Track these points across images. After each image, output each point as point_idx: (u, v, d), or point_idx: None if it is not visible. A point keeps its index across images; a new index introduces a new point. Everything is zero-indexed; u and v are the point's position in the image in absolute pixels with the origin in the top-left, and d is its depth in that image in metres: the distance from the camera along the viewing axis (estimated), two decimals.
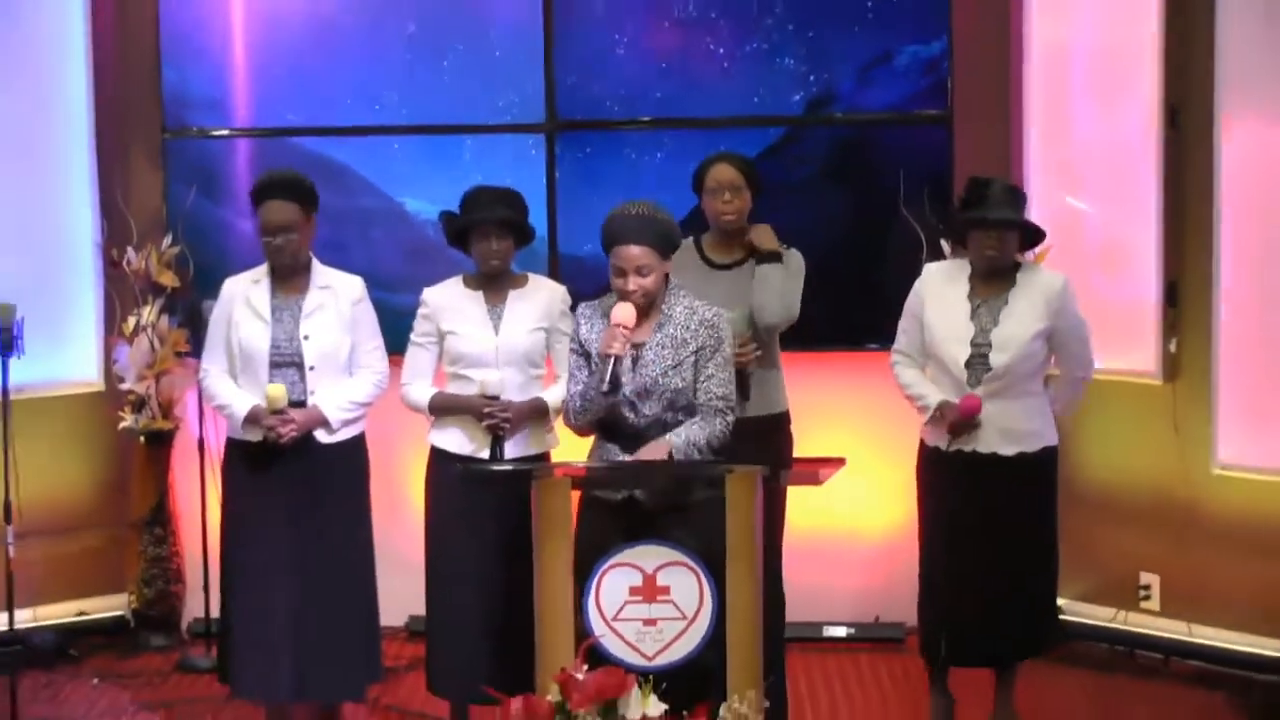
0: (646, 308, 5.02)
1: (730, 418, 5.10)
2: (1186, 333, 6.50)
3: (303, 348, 5.57)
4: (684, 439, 5.01)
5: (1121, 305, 6.60)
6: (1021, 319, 5.50)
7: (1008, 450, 5.52)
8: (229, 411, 5.59)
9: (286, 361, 5.56)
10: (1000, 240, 5.49)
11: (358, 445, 5.70)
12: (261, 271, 5.67)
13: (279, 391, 5.48)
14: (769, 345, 5.64)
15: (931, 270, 5.70)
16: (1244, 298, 6.29)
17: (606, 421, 5.08)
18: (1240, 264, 6.28)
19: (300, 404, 5.53)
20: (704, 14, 6.90)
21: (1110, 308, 6.58)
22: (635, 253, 4.97)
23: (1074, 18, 6.70)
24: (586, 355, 5.07)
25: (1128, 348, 6.56)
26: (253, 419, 5.53)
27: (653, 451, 5.00)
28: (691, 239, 5.72)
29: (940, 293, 5.61)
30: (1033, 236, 5.64)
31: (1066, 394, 5.69)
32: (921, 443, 5.69)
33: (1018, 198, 5.58)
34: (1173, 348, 6.52)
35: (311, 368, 5.57)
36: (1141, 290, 6.56)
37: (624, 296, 4.98)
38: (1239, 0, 6.17)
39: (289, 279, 5.63)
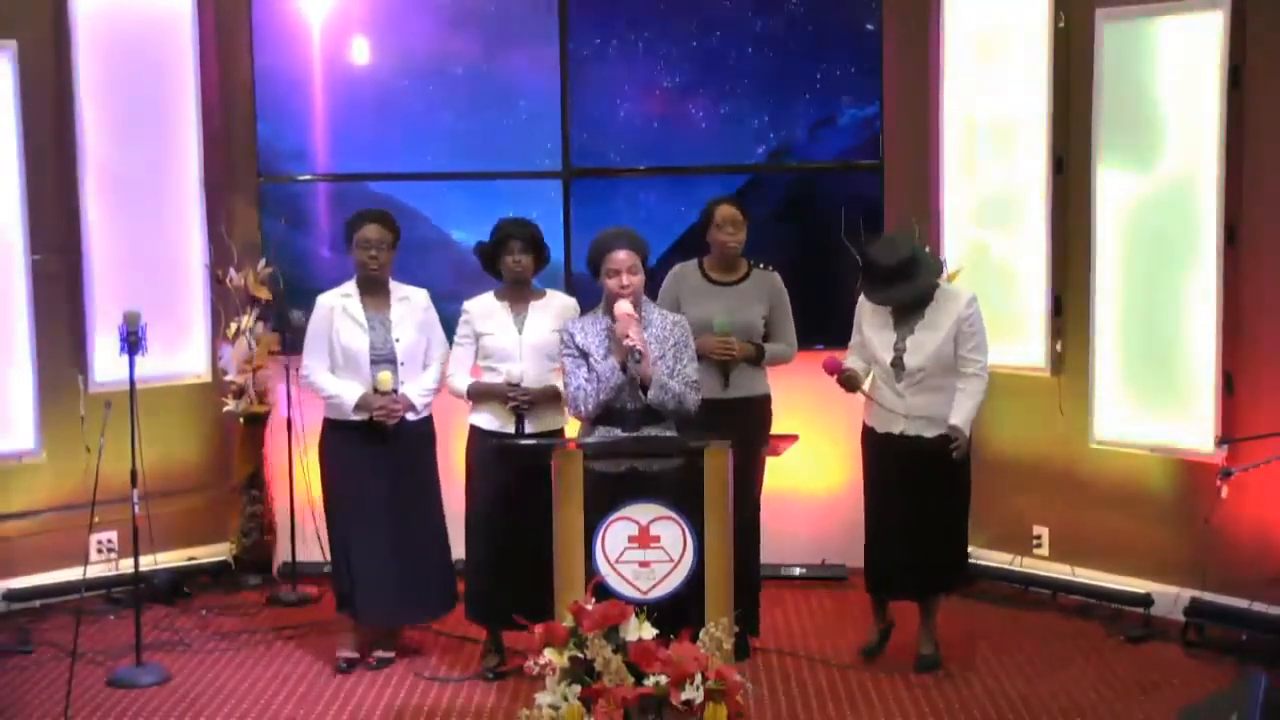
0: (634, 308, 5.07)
1: (698, 394, 5.18)
2: (1069, 336, 6.50)
3: (395, 349, 5.67)
4: (663, 378, 5.06)
5: (1017, 314, 6.60)
6: (931, 332, 5.53)
7: (930, 433, 5.54)
8: (339, 400, 5.67)
9: (382, 359, 5.66)
10: (899, 307, 5.55)
11: (429, 421, 5.83)
12: (350, 287, 5.74)
13: (388, 376, 5.63)
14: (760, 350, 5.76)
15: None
16: (1115, 308, 6.29)
17: (607, 407, 5.10)
18: (1112, 281, 6.29)
19: (394, 391, 5.66)
20: (687, 84, 6.89)
21: (1008, 316, 6.61)
22: (624, 256, 5.07)
23: (980, 85, 6.69)
24: (584, 356, 5.10)
25: (1023, 348, 6.58)
26: (363, 405, 5.61)
27: (629, 325, 4.97)
28: (695, 261, 5.79)
29: (873, 311, 5.64)
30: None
31: (975, 384, 5.57)
32: (863, 423, 5.72)
33: (900, 270, 5.48)
34: (1058, 348, 6.52)
35: (402, 363, 5.68)
36: (1033, 302, 6.56)
37: (618, 293, 5.06)
38: (1111, 72, 6.19)
39: (374, 294, 5.72)
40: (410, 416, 5.70)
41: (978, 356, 5.56)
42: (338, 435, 5.74)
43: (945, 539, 5.64)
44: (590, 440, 5.15)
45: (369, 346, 5.68)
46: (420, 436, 5.79)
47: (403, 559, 5.70)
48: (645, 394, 5.05)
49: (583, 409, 5.12)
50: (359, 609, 5.76)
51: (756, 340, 5.75)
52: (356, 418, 5.65)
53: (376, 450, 5.67)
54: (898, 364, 5.54)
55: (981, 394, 5.58)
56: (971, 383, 5.54)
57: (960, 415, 5.51)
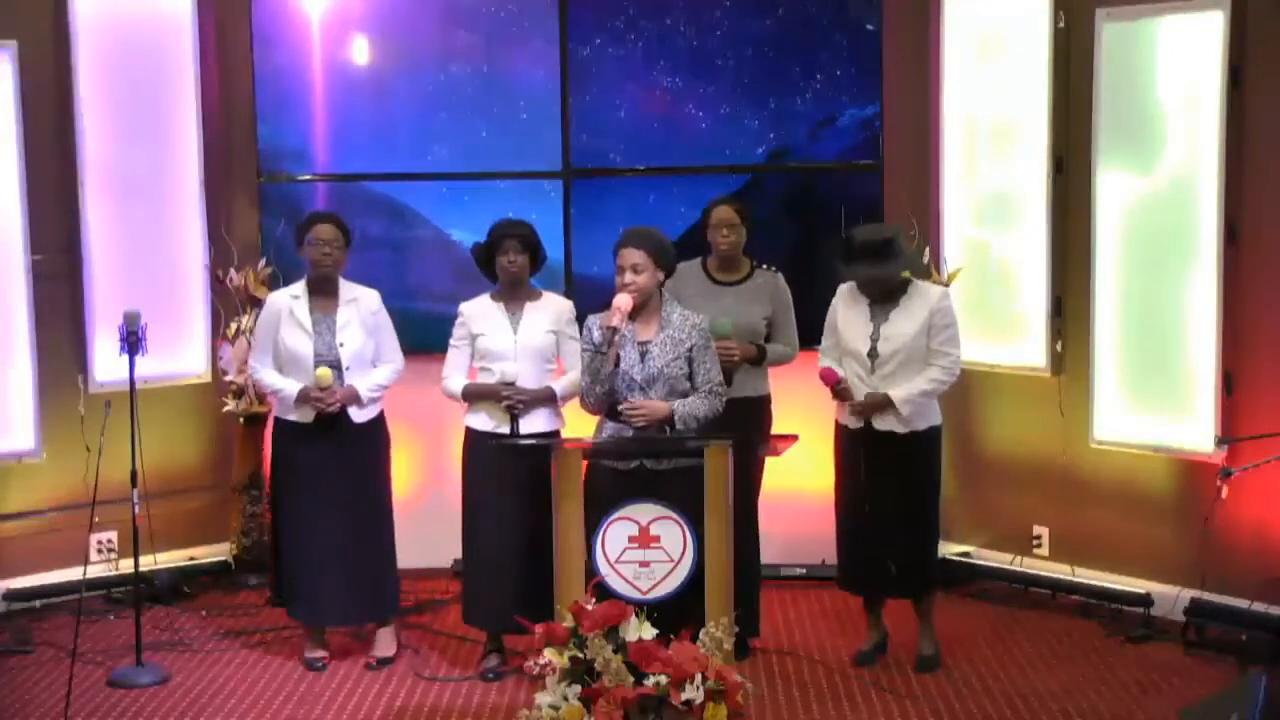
0: (643, 306, 5.08)
1: (723, 399, 5.15)
2: (1069, 336, 6.49)
3: (340, 354, 5.65)
4: (686, 409, 5.06)
5: (1017, 314, 6.60)
6: (904, 322, 5.53)
7: (901, 429, 5.53)
8: (282, 395, 5.70)
9: (326, 364, 5.66)
10: (868, 285, 5.55)
11: (379, 422, 5.81)
12: (299, 288, 5.74)
13: (327, 372, 5.60)
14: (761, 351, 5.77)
15: (842, 289, 5.71)
16: (1115, 309, 6.28)
17: (618, 404, 5.09)
18: (1112, 281, 6.28)
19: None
20: (687, 84, 6.87)
21: (1008, 316, 6.61)
22: (632, 254, 5.06)
23: (980, 85, 6.68)
24: (597, 351, 5.11)
25: (1023, 348, 6.58)
26: (303, 398, 5.62)
27: (656, 408, 5.03)
28: (698, 261, 5.79)
29: (848, 305, 5.65)
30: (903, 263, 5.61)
31: (935, 372, 5.54)
32: (836, 421, 5.72)
33: (878, 249, 5.49)
34: (1059, 348, 6.51)
35: (348, 368, 5.67)
36: (1034, 302, 6.55)
37: (621, 289, 5.06)
38: (1111, 72, 6.19)
39: (324, 294, 5.72)
40: (357, 415, 5.69)
41: (949, 349, 5.55)
42: (285, 433, 5.77)
43: (913, 535, 5.62)
44: (599, 438, 5.16)
45: (313, 351, 5.67)
46: (368, 437, 5.76)
47: (340, 560, 5.69)
48: (669, 429, 5.04)
49: (586, 398, 5.15)
50: (289, 606, 5.84)
51: (758, 341, 5.75)
52: (297, 415, 5.68)
53: (321, 449, 5.68)
54: (873, 353, 5.54)
55: (939, 384, 5.53)
56: (934, 370, 5.51)
57: (902, 392, 5.47)
